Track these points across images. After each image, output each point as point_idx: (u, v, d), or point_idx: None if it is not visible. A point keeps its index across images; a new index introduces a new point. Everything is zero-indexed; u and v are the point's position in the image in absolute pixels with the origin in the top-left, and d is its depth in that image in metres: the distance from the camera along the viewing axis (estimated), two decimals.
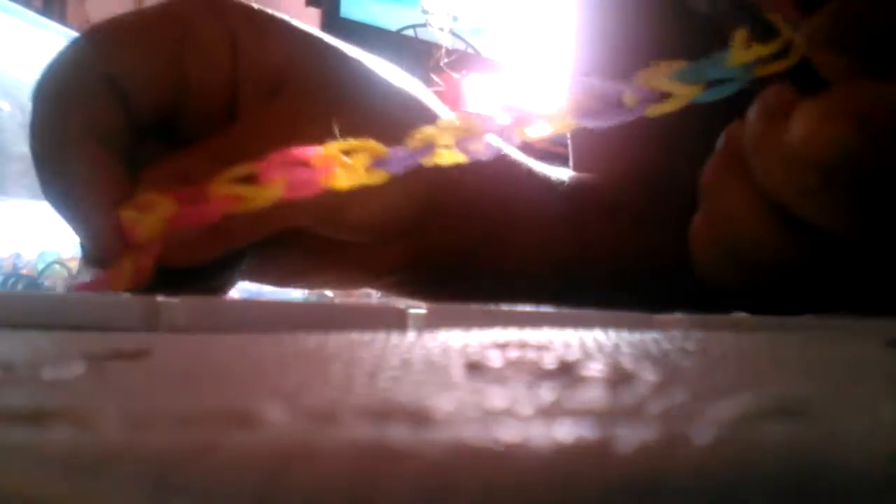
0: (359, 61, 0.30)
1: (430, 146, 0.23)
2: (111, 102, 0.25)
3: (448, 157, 0.23)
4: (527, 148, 0.38)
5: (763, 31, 0.24)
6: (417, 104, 0.31)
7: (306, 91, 0.28)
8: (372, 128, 0.27)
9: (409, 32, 1.82)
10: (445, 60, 1.71)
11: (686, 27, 0.43)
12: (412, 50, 1.80)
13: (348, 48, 0.30)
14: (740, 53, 0.21)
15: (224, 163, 0.24)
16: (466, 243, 0.35)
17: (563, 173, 0.40)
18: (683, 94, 0.22)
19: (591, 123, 0.22)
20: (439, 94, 1.60)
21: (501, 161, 0.33)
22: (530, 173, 0.37)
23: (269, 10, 0.29)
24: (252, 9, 0.29)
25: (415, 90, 0.32)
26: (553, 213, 0.37)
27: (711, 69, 0.22)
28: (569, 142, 0.44)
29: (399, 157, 0.23)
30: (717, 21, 0.43)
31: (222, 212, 0.21)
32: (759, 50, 0.21)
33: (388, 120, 0.29)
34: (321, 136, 0.25)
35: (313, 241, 0.30)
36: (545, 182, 0.37)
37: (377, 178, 0.22)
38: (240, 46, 0.27)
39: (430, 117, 0.30)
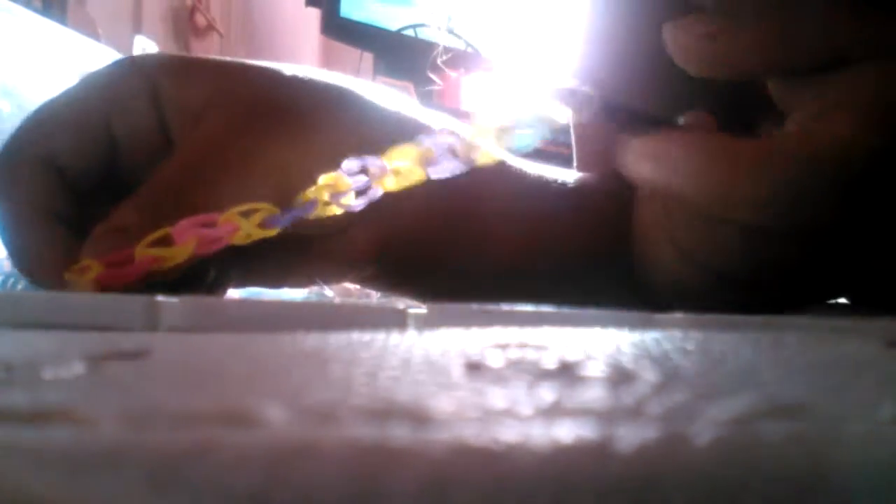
0: (283, 76, 0.31)
1: (313, 203, 0.27)
2: (51, 180, 0.29)
3: (329, 210, 0.27)
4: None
5: None
6: (354, 105, 0.32)
7: (227, 112, 0.30)
8: (303, 132, 0.29)
9: (409, 32, 1.82)
10: (443, 58, 1.72)
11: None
12: (412, 50, 1.80)
13: (280, 67, 0.32)
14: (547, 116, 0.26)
15: (155, 205, 0.27)
16: (439, 234, 0.35)
17: (565, 174, 0.40)
18: (499, 146, 0.27)
19: (434, 174, 0.27)
20: (438, 94, 1.59)
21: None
22: (515, 171, 0.37)
23: (186, 55, 0.32)
24: (167, 57, 0.32)
25: (358, 96, 0.32)
26: (540, 209, 0.37)
27: (522, 122, 0.26)
28: (573, 143, 0.45)
29: (286, 216, 0.27)
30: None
31: (145, 270, 0.25)
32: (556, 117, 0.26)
33: (316, 125, 0.30)
34: (245, 150, 0.28)
35: (281, 241, 0.31)
36: (534, 179, 0.37)
37: (269, 233, 0.27)
38: (160, 93, 0.30)
39: (362, 113, 0.32)
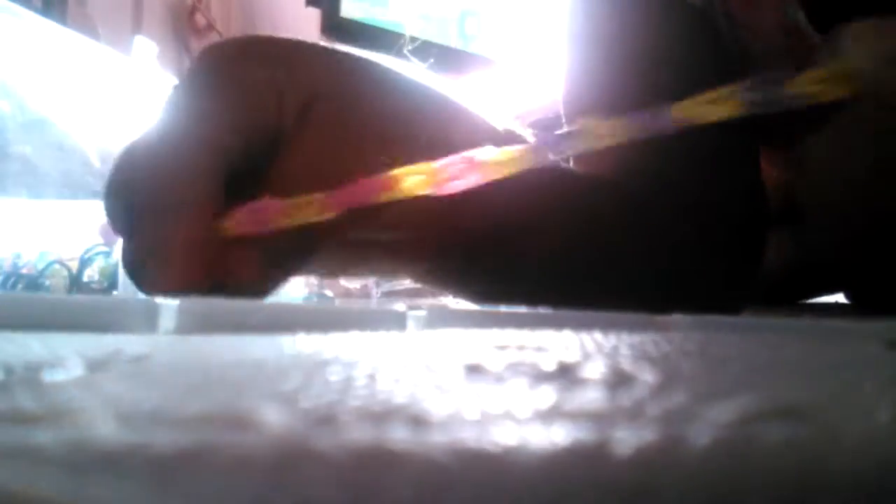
0: (386, 71, 0.32)
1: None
2: (218, 187, 0.28)
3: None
4: None
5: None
6: (446, 106, 0.33)
7: (331, 107, 0.30)
8: (401, 130, 0.30)
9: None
10: (409, 47, 1.72)
11: (681, 23, 0.44)
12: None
13: (379, 59, 0.32)
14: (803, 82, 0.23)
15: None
16: (492, 229, 0.35)
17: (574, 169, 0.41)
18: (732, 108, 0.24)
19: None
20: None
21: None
22: (559, 169, 0.38)
23: (296, 39, 0.31)
24: (289, 45, 0.31)
25: (444, 93, 0.33)
26: (577, 202, 0.38)
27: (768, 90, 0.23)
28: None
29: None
30: (711, 9, 0.43)
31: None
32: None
33: (415, 120, 0.31)
34: (350, 147, 0.29)
35: (351, 241, 0.32)
36: (570, 176, 0.39)
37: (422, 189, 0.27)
38: (281, 88, 0.30)
39: (452, 115, 0.33)
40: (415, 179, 0.27)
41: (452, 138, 0.30)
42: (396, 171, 0.27)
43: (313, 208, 0.27)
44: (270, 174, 0.29)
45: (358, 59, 0.32)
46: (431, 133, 0.31)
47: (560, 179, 0.38)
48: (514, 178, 0.29)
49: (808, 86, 0.23)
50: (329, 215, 0.26)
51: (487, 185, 0.28)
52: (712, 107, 0.24)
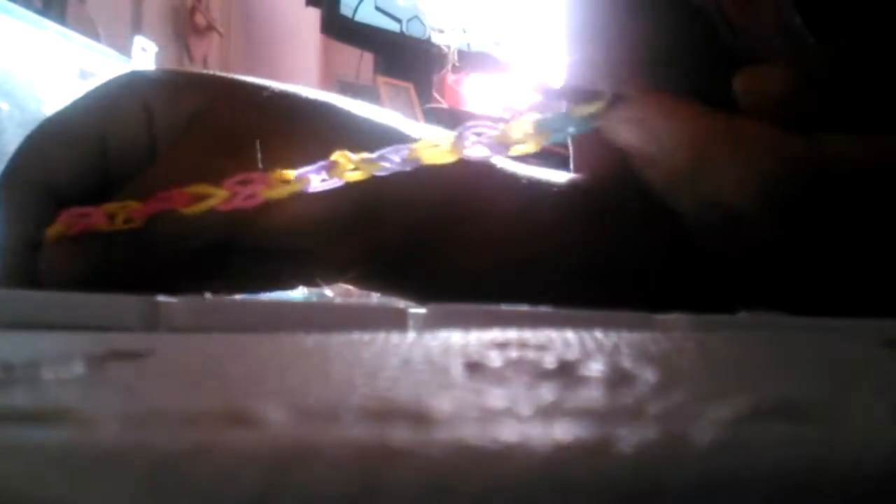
0: (277, 97, 0.33)
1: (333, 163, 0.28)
2: (48, 204, 0.30)
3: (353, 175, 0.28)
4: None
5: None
6: (335, 122, 0.33)
7: (210, 129, 0.31)
8: (278, 157, 0.30)
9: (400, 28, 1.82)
10: (453, 56, 1.74)
11: (679, 19, 0.44)
12: (412, 50, 1.80)
13: (282, 87, 0.33)
14: (578, 110, 0.27)
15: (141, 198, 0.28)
16: (421, 238, 0.35)
17: (557, 175, 0.40)
18: (537, 141, 0.28)
19: (472, 156, 0.28)
20: (438, 92, 1.58)
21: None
22: (505, 173, 0.37)
23: (181, 70, 0.33)
24: (160, 73, 0.33)
25: (341, 108, 0.33)
26: (530, 212, 0.37)
27: (559, 120, 0.28)
28: (570, 144, 0.45)
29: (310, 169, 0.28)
30: (707, 11, 0.43)
31: (167, 207, 0.27)
32: (587, 108, 0.27)
33: (293, 148, 0.31)
34: (223, 168, 0.29)
35: (267, 251, 0.32)
36: (523, 182, 0.38)
37: (301, 185, 0.28)
38: (153, 110, 0.31)
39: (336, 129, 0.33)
40: (219, 196, 0.27)
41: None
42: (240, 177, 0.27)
43: (122, 215, 0.27)
44: (139, 178, 0.30)
45: (244, 85, 0.32)
46: (312, 147, 0.31)
47: (493, 182, 0.37)
48: (438, 181, 0.28)
49: (517, 133, 0.27)
50: (134, 224, 0.27)
51: (411, 191, 0.28)
52: (434, 151, 0.28)
